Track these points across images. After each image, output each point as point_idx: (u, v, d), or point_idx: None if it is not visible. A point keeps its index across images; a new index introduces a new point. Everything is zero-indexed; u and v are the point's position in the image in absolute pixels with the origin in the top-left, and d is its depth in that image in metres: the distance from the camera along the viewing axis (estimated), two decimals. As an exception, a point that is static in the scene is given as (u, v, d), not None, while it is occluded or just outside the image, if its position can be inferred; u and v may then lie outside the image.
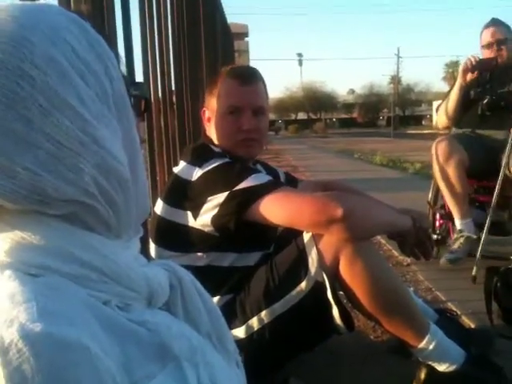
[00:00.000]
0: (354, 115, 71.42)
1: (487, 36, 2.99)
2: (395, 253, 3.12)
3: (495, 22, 3.04)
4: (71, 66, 0.50)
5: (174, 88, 2.80)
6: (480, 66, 2.91)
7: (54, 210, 0.49)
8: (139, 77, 2.01)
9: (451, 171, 2.83)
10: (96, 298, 0.48)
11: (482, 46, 3.02)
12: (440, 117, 3.20)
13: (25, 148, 0.47)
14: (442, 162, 2.85)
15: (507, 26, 3.03)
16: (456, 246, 2.85)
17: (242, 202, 1.37)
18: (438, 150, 2.87)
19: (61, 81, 0.49)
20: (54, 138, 0.48)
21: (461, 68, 3.01)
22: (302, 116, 68.24)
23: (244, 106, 1.55)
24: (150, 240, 1.59)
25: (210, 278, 1.44)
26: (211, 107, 1.60)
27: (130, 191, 0.54)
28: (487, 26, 3.03)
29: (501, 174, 2.70)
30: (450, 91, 3.19)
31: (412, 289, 2.49)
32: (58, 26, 0.51)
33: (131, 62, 1.78)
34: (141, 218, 0.60)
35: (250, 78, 1.58)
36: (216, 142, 1.60)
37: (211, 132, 1.62)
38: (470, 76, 2.94)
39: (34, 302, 0.42)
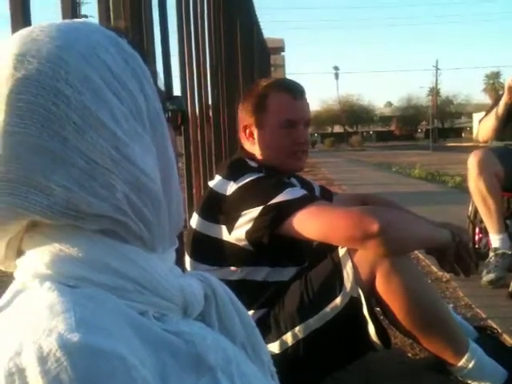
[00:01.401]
0: (392, 128, 70.51)
1: None
2: (434, 268, 3.05)
3: None
4: (105, 84, 0.51)
5: (210, 102, 2.84)
6: None
7: (89, 225, 0.51)
8: (177, 92, 2.06)
9: (484, 184, 2.76)
10: (132, 309, 0.49)
11: None
12: (482, 131, 3.13)
13: (60, 165, 0.48)
14: (475, 175, 2.79)
15: None
16: (493, 264, 2.77)
17: (276, 217, 1.37)
18: (472, 163, 2.82)
19: (95, 99, 0.50)
20: (88, 156, 0.49)
21: (506, 85, 2.94)
22: (338, 129, 67.83)
23: (298, 119, 1.58)
24: (186, 253, 1.60)
25: (244, 292, 1.44)
26: (258, 121, 1.58)
27: (162, 207, 0.55)
28: None
29: None
30: (493, 105, 3.12)
31: (451, 305, 2.43)
32: (94, 44, 0.53)
33: (169, 78, 1.82)
34: (175, 232, 0.61)
35: (301, 92, 1.61)
36: (261, 156, 1.59)
37: (254, 147, 1.60)
38: None
39: (72, 313, 0.43)
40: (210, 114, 2.86)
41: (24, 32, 0.53)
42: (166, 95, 0.68)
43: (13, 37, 0.53)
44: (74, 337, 0.41)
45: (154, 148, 0.55)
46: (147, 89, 0.56)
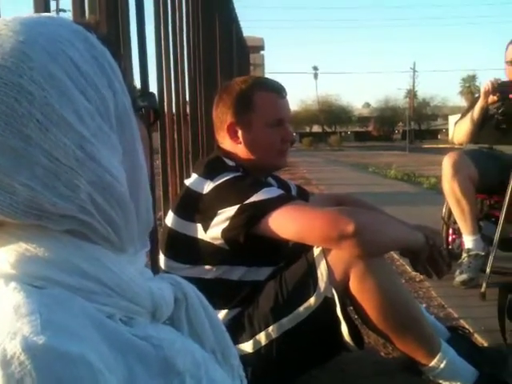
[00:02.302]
0: (369, 129, 71.19)
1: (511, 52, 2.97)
2: (408, 268, 3.08)
3: None
4: (71, 80, 0.50)
5: (188, 99, 2.82)
6: (501, 88, 2.88)
7: (55, 225, 0.49)
8: (153, 88, 2.04)
9: (458, 186, 2.80)
10: (100, 312, 0.48)
11: (507, 62, 2.99)
12: (457, 134, 3.18)
13: (23, 164, 0.47)
14: (450, 177, 2.83)
15: None
16: (466, 265, 2.82)
17: (252, 216, 1.37)
18: (446, 165, 2.85)
19: (59, 96, 0.49)
20: (52, 155, 0.48)
21: (482, 90, 2.98)
22: (316, 129, 68.20)
23: (284, 117, 1.60)
24: (160, 251, 1.59)
25: (219, 292, 1.45)
26: (243, 120, 1.57)
27: (129, 208, 0.54)
28: None
29: (509, 187, 2.67)
30: (469, 108, 3.17)
31: (424, 305, 2.46)
32: (59, 38, 0.51)
33: (145, 74, 1.80)
34: (145, 233, 0.60)
35: (284, 91, 1.63)
36: (246, 155, 1.58)
37: (237, 146, 1.58)
38: (491, 98, 2.92)
39: (37, 315, 0.42)
40: (187, 110, 2.84)
41: None
42: (141, 92, 0.66)
43: None
44: (39, 340, 0.40)
45: (120, 147, 0.54)
46: (116, 86, 0.54)
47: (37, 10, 1.09)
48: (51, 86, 0.48)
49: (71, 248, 0.50)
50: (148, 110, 0.68)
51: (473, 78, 64.22)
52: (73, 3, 1.28)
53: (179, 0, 2.58)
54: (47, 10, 1.13)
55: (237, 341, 1.43)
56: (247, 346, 1.43)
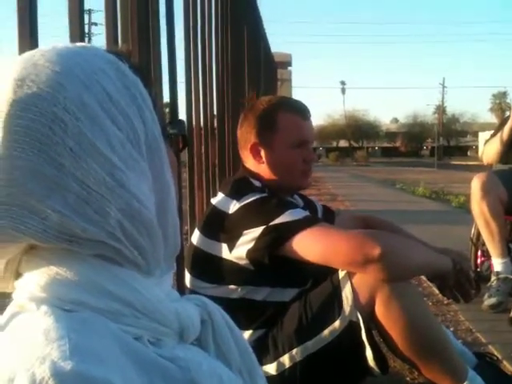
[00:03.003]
0: (397, 144, 70.58)
1: None
2: (435, 290, 3.01)
3: None
4: (103, 109, 0.52)
5: (215, 114, 2.84)
6: None
7: (84, 250, 0.51)
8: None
9: (487, 208, 2.75)
10: (128, 334, 0.49)
11: None
12: (486, 154, 3.13)
13: (55, 190, 0.49)
14: (479, 198, 2.78)
15: None
16: (494, 288, 2.76)
17: (277, 238, 1.37)
18: (475, 186, 2.81)
19: (92, 125, 0.50)
20: (83, 182, 0.49)
21: None
22: (343, 144, 67.91)
23: (307, 139, 1.61)
24: (186, 269, 1.59)
25: (243, 312, 1.45)
26: (267, 141, 1.58)
27: (157, 233, 0.55)
28: None
29: None
30: (499, 126, 3.12)
31: (452, 329, 2.41)
32: (94, 69, 0.53)
33: (175, 100, 1.82)
34: (172, 256, 0.61)
35: (308, 112, 1.64)
36: (268, 175, 1.59)
37: (260, 166, 1.59)
38: None
39: (66, 339, 0.43)
40: (215, 125, 2.87)
41: (25, 56, 0.54)
42: (170, 118, 0.68)
43: (16, 61, 0.54)
44: (67, 365, 0.41)
45: (149, 174, 0.55)
46: (146, 114, 0.56)
47: (71, 25, 1.12)
48: (84, 116, 0.50)
49: (100, 271, 0.51)
50: (177, 137, 0.70)
51: (504, 94, 63.28)
52: (106, 31, 1.31)
53: (209, 17, 2.61)
54: (81, 25, 1.16)
55: (261, 362, 1.41)
56: (271, 368, 1.42)
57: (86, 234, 0.49)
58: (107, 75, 0.53)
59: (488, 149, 3.13)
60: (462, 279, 1.49)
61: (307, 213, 1.47)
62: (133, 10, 1.46)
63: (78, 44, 0.59)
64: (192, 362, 0.52)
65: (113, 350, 0.46)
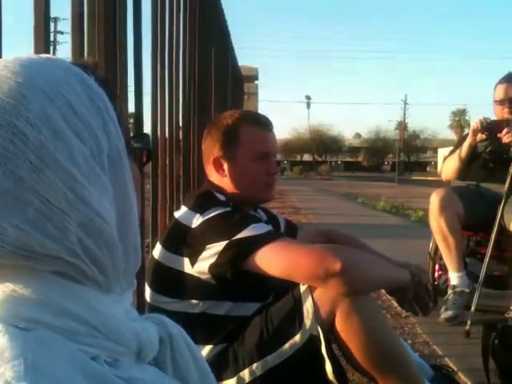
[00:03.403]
0: (360, 159, 71.74)
1: (500, 92, 3.01)
2: (394, 303, 3.07)
3: (510, 79, 3.04)
4: (66, 122, 0.51)
5: (181, 126, 2.84)
6: (490, 127, 2.93)
7: (42, 266, 0.50)
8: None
9: (445, 223, 2.83)
10: (85, 353, 0.48)
11: (495, 101, 3.05)
12: (445, 171, 3.22)
13: (14, 205, 0.47)
14: (437, 214, 2.86)
15: None
16: (451, 301, 2.83)
17: (240, 252, 1.37)
18: (434, 202, 2.89)
19: (54, 139, 0.49)
20: (44, 196, 0.48)
21: (471, 128, 3.04)
22: (307, 158, 68.55)
23: (270, 151, 1.62)
24: (146, 283, 1.58)
25: (204, 327, 1.44)
26: (229, 154, 1.59)
27: (117, 250, 0.54)
28: (501, 82, 3.03)
29: (495, 225, 2.71)
30: (457, 145, 3.21)
31: (410, 342, 2.46)
32: (57, 80, 0.52)
33: (140, 113, 1.82)
34: (132, 273, 0.60)
35: (271, 125, 1.66)
36: (231, 189, 1.59)
37: (224, 179, 1.60)
38: (479, 136, 2.97)
39: (21, 359, 0.42)
40: (181, 136, 2.86)
41: None
42: (135, 131, 0.68)
43: None
44: None
45: (111, 189, 0.54)
46: (111, 128, 0.55)
47: (37, 33, 1.11)
48: (47, 128, 0.49)
49: (58, 289, 0.50)
50: (141, 150, 0.69)
51: (463, 112, 65.25)
52: (72, 43, 1.30)
53: (177, 29, 2.62)
54: (47, 33, 1.15)
55: (221, 377, 1.41)
56: (231, 383, 1.42)
57: (45, 249, 0.48)
58: (72, 87, 0.53)
59: (447, 165, 3.22)
60: (420, 292, 1.52)
61: (270, 227, 1.48)
62: (99, 19, 1.45)
63: (43, 55, 0.57)
64: (149, 382, 0.52)
65: (69, 370, 0.45)
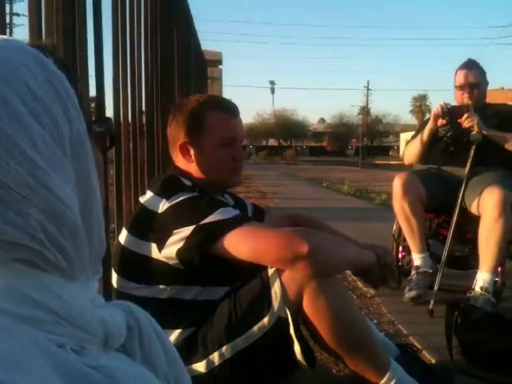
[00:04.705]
0: (324, 144, 72.34)
1: (460, 78, 3.07)
2: (360, 284, 3.14)
3: (470, 65, 3.10)
4: (25, 106, 0.49)
5: (144, 110, 2.79)
6: (451, 113, 2.99)
7: (4, 253, 0.48)
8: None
9: (407, 206, 2.89)
10: (50, 341, 0.47)
11: (456, 86, 3.11)
12: (407, 155, 3.28)
13: None
14: (400, 197, 2.91)
15: (481, 70, 3.10)
16: (414, 282, 2.90)
17: (208, 237, 1.37)
18: (397, 185, 2.94)
19: (12, 123, 0.48)
20: (3, 182, 0.47)
21: (432, 113, 3.09)
22: (272, 142, 68.75)
23: (236, 137, 1.61)
24: (113, 269, 1.56)
25: (172, 311, 1.44)
26: (195, 140, 1.57)
27: (81, 236, 0.53)
28: (462, 68, 3.09)
29: (457, 207, 2.78)
30: (419, 130, 3.27)
31: (375, 321, 2.51)
32: (15, 63, 0.50)
33: (102, 97, 1.77)
34: (97, 260, 0.59)
35: (237, 110, 1.64)
36: (198, 174, 1.58)
37: (190, 165, 1.59)
38: (440, 121, 3.02)
39: None
40: (144, 121, 2.81)
41: None
42: (96, 115, 0.66)
43: None
44: None
45: (73, 174, 0.53)
46: (71, 111, 0.54)
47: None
48: (4, 112, 0.47)
49: (21, 276, 0.49)
50: (104, 135, 0.68)
51: (424, 97, 66.44)
52: (29, 23, 1.25)
53: (138, 14, 2.56)
54: (2, 16, 1.10)
55: (190, 361, 1.41)
56: (200, 367, 1.42)
57: (6, 236, 0.47)
58: (30, 70, 0.51)
59: (408, 150, 3.27)
60: (385, 272, 1.56)
61: (237, 212, 1.48)
62: (58, 0, 1.40)
63: None
64: (117, 369, 0.51)
65: (36, 358, 0.44)
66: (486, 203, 2.69)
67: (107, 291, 1.61)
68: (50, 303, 0.49)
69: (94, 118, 0.74)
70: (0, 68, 0.49)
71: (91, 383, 0.47)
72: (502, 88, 40.77)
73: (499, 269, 2.80)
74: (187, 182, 1.55)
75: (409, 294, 2.85)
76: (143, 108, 2.75)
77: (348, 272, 3.38)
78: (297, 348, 1.40)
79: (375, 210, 7.59)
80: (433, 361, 2.07)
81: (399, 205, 2.93)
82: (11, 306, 0.47)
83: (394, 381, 1.47)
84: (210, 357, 1.42)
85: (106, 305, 0.61)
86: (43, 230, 0.49)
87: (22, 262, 0.49)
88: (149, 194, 1.55)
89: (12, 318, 0.46)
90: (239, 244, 1.36)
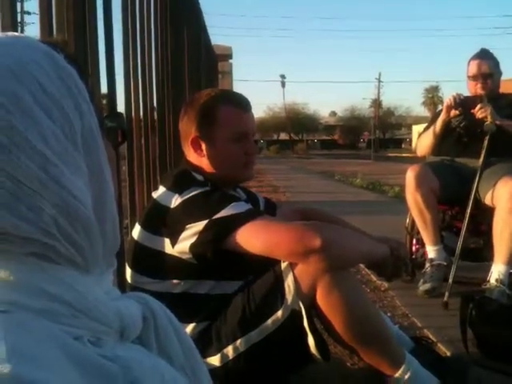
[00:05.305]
0: (336, 137, 72.01)
1: (473, 68, 3.03)
2: (373, 277, 3.13)
3: (483, 56, 3.07)
4: (36, 102, 0.49)
5: (155, 107, 2.80)
6: (464, 103, 2.95)
7: (18, 248, 0.48)
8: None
9: (420, 198, 2.87)
10: (67, 334, 0.48)
11: (468, 77, 3.07)
12: (420, 147, 3.25)
13: None
14: (413, 190, 2.90)
15: (495, 60, 3.06)
16: (428, 274, 2.88)
17: (221, 231, 1.37)
18: (409, 178, 2.92)
19: (24, 118, 0.48)
20: (15, 177, 0.47)
21: (444, 104, 3.06)
22: (283, 137, 68.55)
23: (248, 131, 1.60)
24: (127, 264, 1.57)
25: (187, 306, 1.45)
26: (207, 134, 1.57)
27: (94, 230, 0.53)
28: (475, 58, 3.06)
29: (470, 199, 2.76)
30: (431, 121, 3.24)
31: (389, 314, 2.50)
32: (26, 59, 0.51)
33: (113, 93, 1.78)
34: (111, 253, 0.59)
35: (249, 105, 1.63)
36: (210, 168, 1.58)
37: (202, 159, 1.58)
38: (453, 112, 2.99)
39: (2, 341, 0.41)
40: (155, 117, 2.82)
41: None
42: (108, 111, 0.66)
43: None
44: (5, 368, 0.39)
45: (85, 169, 0.53)
46: (83, 107, 0.54)
47: (3, 14, 1.07)
48: (16, 108, 0.48)
49: (35, 270, 0.49)
50: (115, 130, 0.68)
51: (436, 88, 65.81)
52: (40, 20, 1.26)
53: (148, 9, 2.56)
54: (13, 14, 1.11)
55: (204, 354, 1.42)
56: (215, 360, 1.43)
57: (19, 231, 0.47)
58: (41, 66, 0.51)
59: (421, 141, 3.25)
60: (399, 265, 1.55)
61: (249, 206, 1.48)
62: (68, -3, 1.40)
63: (9, 33, 0.56)
64: (133, 360, 0.51)
65: (52, 351, 0.44)
66: (501, 194, 2.67)
67: (122, 287, 1.62)
68: (64, 296, 0.49)
69: (105, 114, 0.74)
70: (11, 65, 0.49)
71: (107, 374, 0.48)
72: (516, 78, 40.17)
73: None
74: (199, 177, 1.55)
75: (423, 287, 2.83)
76: (154, 104, 2.76)
77: (361, 265, 3.38)
78: (311, 341, 1.39)
79: (388, 202, 7.54)
80: (448, 353, 2.05)
81: (412, 197, 2.91)
82: (26, 299, 0.47)
83: (409, 373, 1.46)
84: (225, 350, 1.43)
85: (122, 297, 0.61)
86: (56, 224, 0.49)
87: (35, 256, 0.49)
88: (161, 189, 1.56)
89: (27, 312, 0.46)
90: (251, 238, 1.36)
